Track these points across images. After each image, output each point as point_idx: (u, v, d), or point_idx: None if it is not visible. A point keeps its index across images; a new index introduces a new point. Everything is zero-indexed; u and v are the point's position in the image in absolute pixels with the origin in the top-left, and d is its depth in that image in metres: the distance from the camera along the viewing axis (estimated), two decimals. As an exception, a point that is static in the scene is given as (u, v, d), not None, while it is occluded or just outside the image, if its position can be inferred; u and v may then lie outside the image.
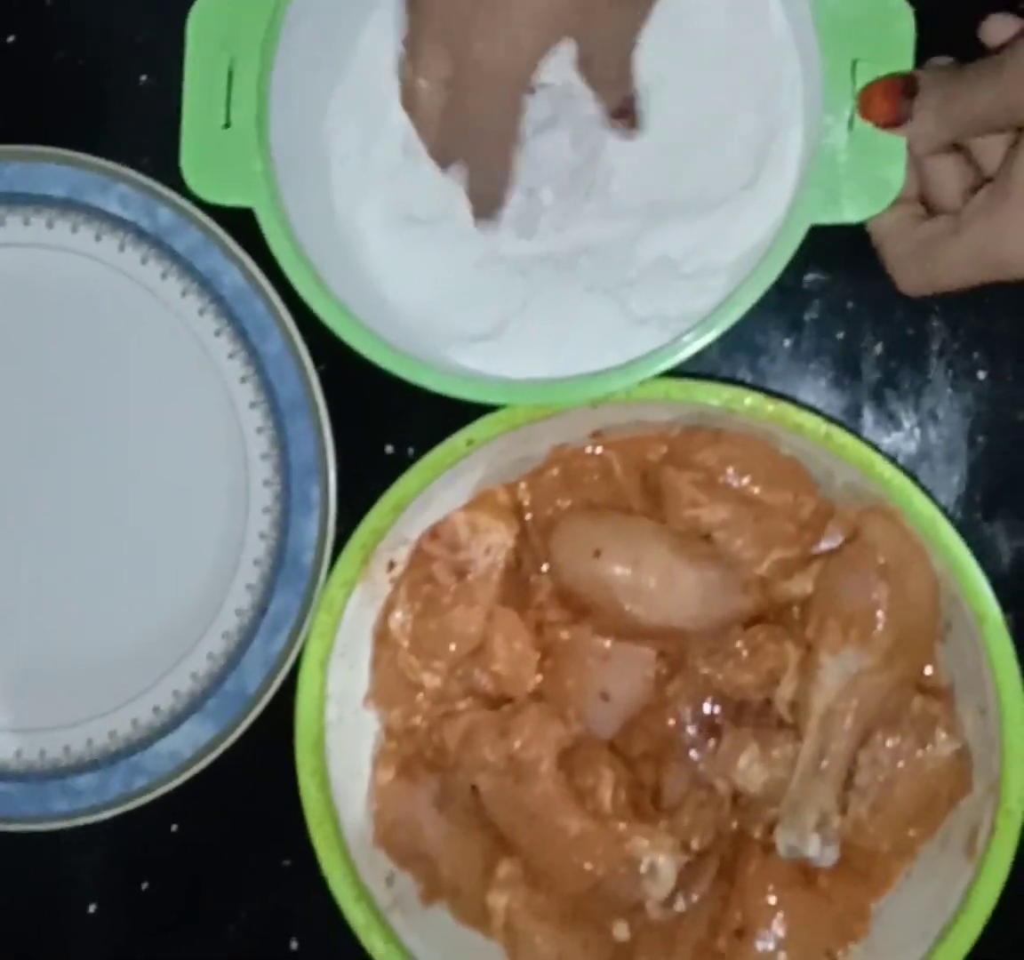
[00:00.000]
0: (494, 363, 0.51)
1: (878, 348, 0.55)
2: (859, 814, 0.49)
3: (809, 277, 0.55)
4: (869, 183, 0.46)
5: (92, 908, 0.59)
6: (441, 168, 0.50)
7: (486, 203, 0.49)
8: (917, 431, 0.54)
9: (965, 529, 0.49)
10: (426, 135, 0.49)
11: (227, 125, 0.49)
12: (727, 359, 0.56)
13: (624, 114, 0.49)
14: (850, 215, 0.47)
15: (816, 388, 0.55)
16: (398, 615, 0.53)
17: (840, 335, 0.55)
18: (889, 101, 0.44)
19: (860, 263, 0.53)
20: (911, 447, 0.54)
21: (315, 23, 0.51)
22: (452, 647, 0.52)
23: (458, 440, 0.50)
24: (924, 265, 0.45)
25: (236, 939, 0.58)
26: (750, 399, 0.48)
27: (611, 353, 0.50)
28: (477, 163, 0.48)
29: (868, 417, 0.55)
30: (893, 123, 0.44)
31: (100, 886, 0.59)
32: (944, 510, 0.49)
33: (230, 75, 0.49)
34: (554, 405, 0.49)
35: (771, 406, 0.48)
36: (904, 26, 0.45)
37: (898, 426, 0.54)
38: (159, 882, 0.59)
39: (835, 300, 0.55)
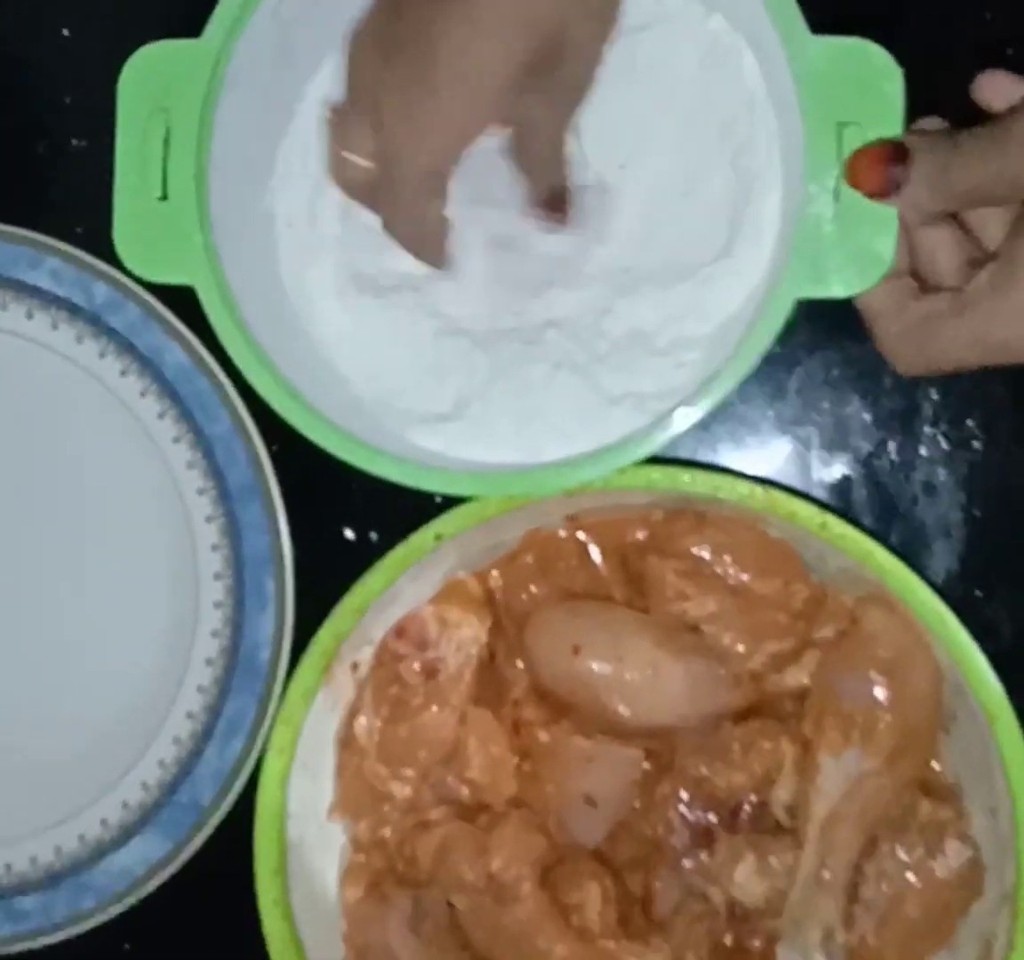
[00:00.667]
0: (457, 445, 0.48)
1: (867, 417, 0.52)
2: (865, 929, 0.45)
3: (793, 344, 0.52)
4: (858, 256, 0.43)
5: (39, 1038, 0.55)
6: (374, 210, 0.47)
7: (421, 253, 0.47)
8: (910, 505, 0.51)
9: (964, 606, 0.46)
10: (358, 201, 0.46)
11: (164, 197, 0.45)
12: (706, 430, 0.52)
13: (554, 205, 0.46)
14: (838, 290, 0.43)
15: (801, 461, 0.52)
16: (363, 720, 0.49)
17: (825, 405, 0.52)
18: (878, 169, 0.41)
19: (846, 328, 0.51)
20: (905, 522, 0.51)
21: (256, 82, 0.47)
22: (422, 754, 0.49)
23: (425, 535, 0.46)
24: (921, 346, 0.42)
25: None
26: (741, 487, 0.44)
27: (583, 435, 0.47)
28: (406, 235, 0.45)
29: (858, 492, 0.51)
30: (883, 193, 0.41)
31: (47, 1013, 0.55)
32: (941, 591, 0.46)
33: (166, 141, 0.46)
34: (525, 496, 0.46)
35: (762, 494, 0.44)
36: (893, 87, 0.42)
37: (890, 500, 0.51)
38: (111, 1008, 0.55)
39: (820, 368, 0.52)
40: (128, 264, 0.45)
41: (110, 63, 0.46)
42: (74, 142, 0.55)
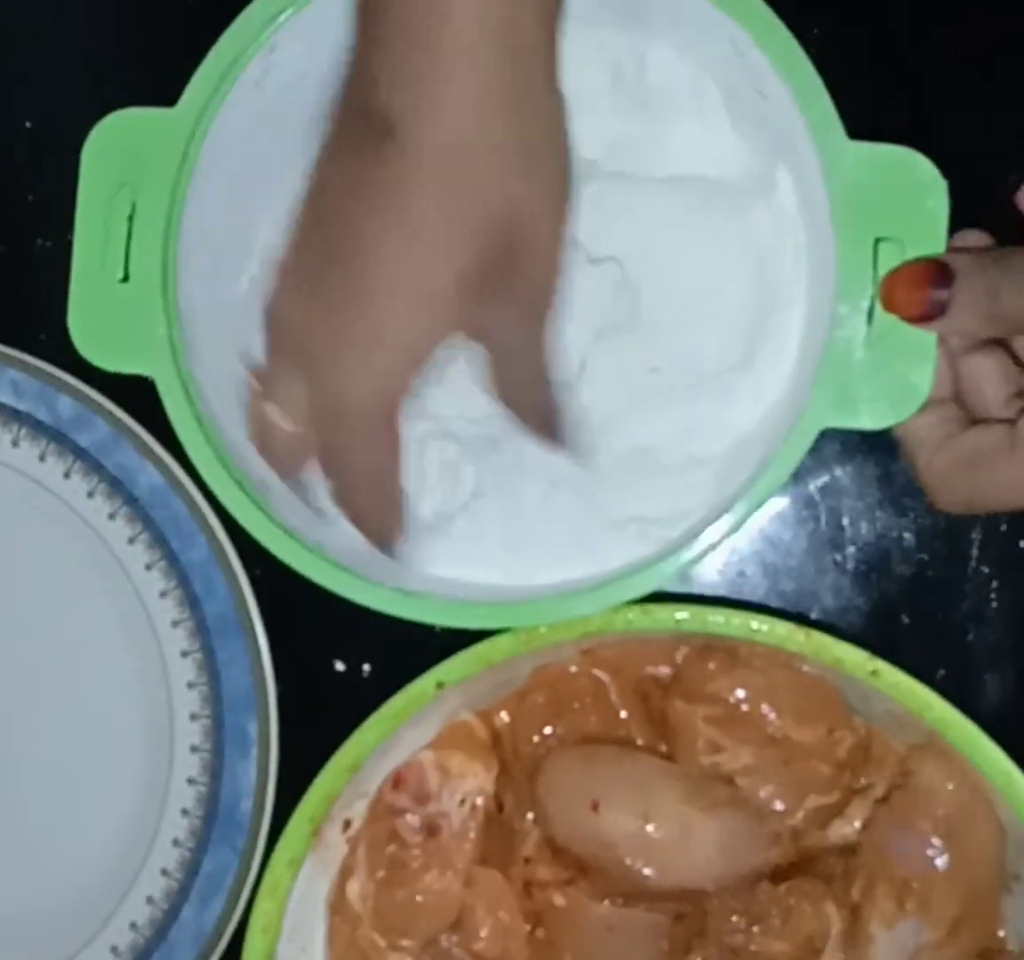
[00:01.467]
0: (441, 562, 0.43)
1: (908, 538, 0.47)
2: None
3: (823, 455, 0.48)
4: (891, 387, 0.38)
5: None
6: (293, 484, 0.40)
7: (369, 523, 0.39)
8: (960, 634, 0.47)
9: (1015, 743, 0.41)
10: (282, 472, 0.40)
11: (125, 278, 0.41)
12: (729, 550, 0.48)
13: (544, 430, 0.40)
14: (867, 422, 0.39)
15: (837, 587, 0.47)
16: (356, 884, 0.44)
17: (862, 525, 0.47)
18: (920, 291, 0.36)
19: (883, 439, 0.46)
20: (955, 656, 0.47)
21: (235, 157, 0.42)
22: (423, 922, 0.44)
23: (426, 682, 0.41)
24: (970, 483, 0.37)
25: None
26: (780, 629, 0.40)
27: (581, 561, 0.42)
28: (349, 477, 0.38)
29: (900, 620, 0.47)
30: (923, 317, 0.37)
31: None
32: (992, 728, 0.41)
33: (131, 220, 0.41)
34: (537, 637, 0.41)
35: (804, 637, 0.40)
36: (937, 202, 0.38)
37: (938, 631, 0.47)
38: None
39: (855, 483, 0.47)
40: (82, 351, 0.41)
41: (76, 158, 0.43)
42: (38, 242, 0.50)
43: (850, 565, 0.47)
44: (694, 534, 0.40)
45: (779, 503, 0.48)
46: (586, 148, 0.38)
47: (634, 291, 0.42)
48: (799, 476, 0.48)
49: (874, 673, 0.40)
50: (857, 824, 0.43)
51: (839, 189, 0.39)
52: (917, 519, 0.47)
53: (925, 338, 0.38)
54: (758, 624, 0.40)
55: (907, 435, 0.39)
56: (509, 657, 0.41)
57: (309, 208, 0.37)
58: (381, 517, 0.38)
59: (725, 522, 0.39)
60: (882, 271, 0.38)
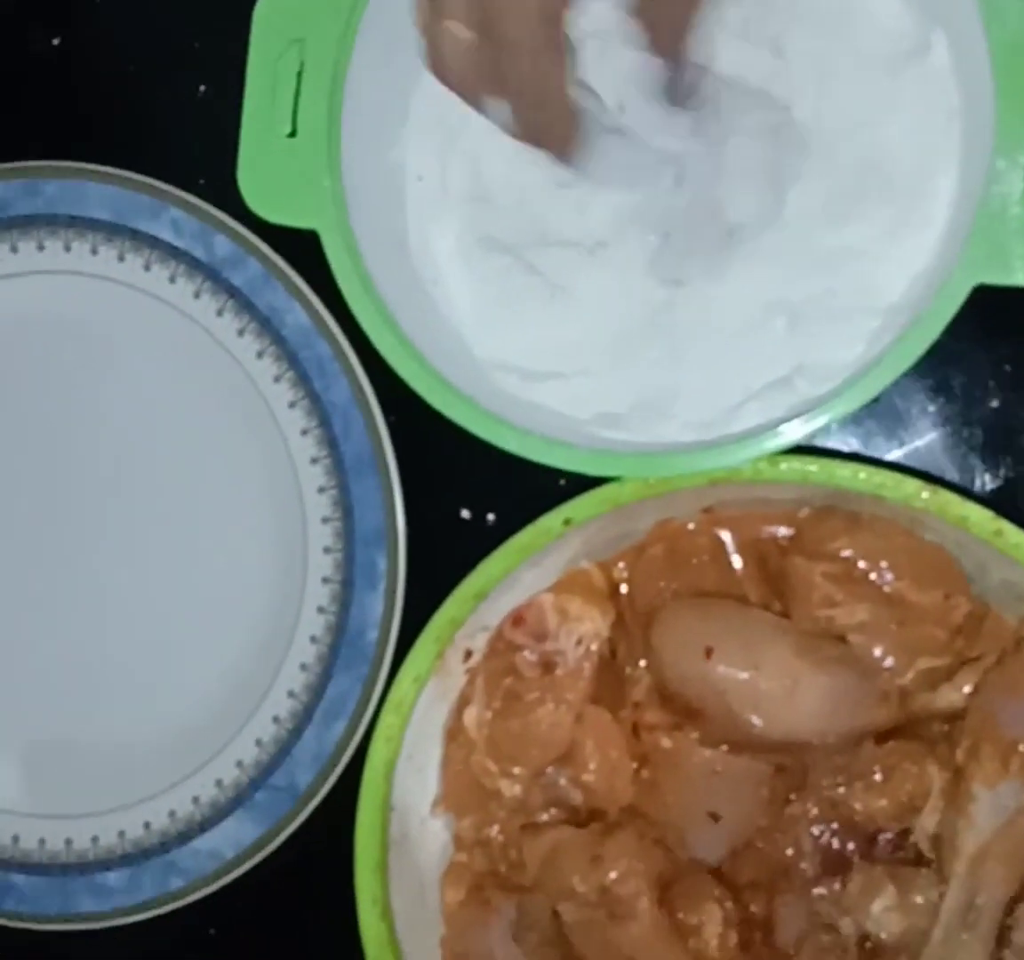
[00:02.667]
0: (581, 413, 0.45)
1: (1039, 418, 0.47)
2: None
3: (959, 334, 0.47)
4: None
5: (118, 1020, 0.53)
6: (480, 110, 0.40)
7: (550, 139, 0.40)
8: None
9: None
10: (461, 91, 0.40)
11: (292, 133, 0.43)
12: (858, 425, 0.48)
13: (671, 91, 0.40)
14: (1022, 277, 0.39)
15: (965, 465, 0.47)
16: (474, 711, 0.46)
17: (994, 403, 0.47)
18: None
19: (1020, 320, 0.46)
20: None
21: (398, 20, 0.43)
22: (535, 752, 0.45)
23: (553, 520, 0.43)
24: None
25: (277, 1060, 0.52)
26: (908, 486, 0.40)
27: (723, 418, 0.43)
28: (520, 91, 0.38)
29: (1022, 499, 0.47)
30: None
31: (128, 994, 0.53)
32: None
33: (299, 77, 0.43)
34: (663, 481, 0.42)
35: (931, 495, 0.40)
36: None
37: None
38: (193, 992, 0.53)
39: (989, 363, 0.47)
40: (250, 203, 0.43)
41: (246, 4, 0.44)
42: (201, 89, 0.52)
43: (980, 438, 0.47)
44: (840, 393, 0.40)
45: (913, 383, 0.48)
46: None
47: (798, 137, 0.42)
48: (934, 355, 0.47)
49: (998, 533, 0.40)
50: (966, 690, 0.44)
51: (1000, 46, 0.38)
52: (1051, 399, 0.47)
53: (1084, 193, 0.38)
54: (886, 479, 0.41)
55: None
56: (635, 500, 0.43)
57: None
58: (555, 129, 0.39)
59: (872, 382, 0.40)
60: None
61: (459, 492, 0.51)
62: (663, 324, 0.45)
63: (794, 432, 0.40)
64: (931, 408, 0.48)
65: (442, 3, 0.38)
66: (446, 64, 0.39)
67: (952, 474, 0.47)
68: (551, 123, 0.39)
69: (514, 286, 0.46)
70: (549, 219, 0.46)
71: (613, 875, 0.43)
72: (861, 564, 0.43)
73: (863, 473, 0.41)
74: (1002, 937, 0.42)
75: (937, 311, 0.39)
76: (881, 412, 0.48)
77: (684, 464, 0.41)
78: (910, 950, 0.43)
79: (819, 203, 0.44)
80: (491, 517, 0.51)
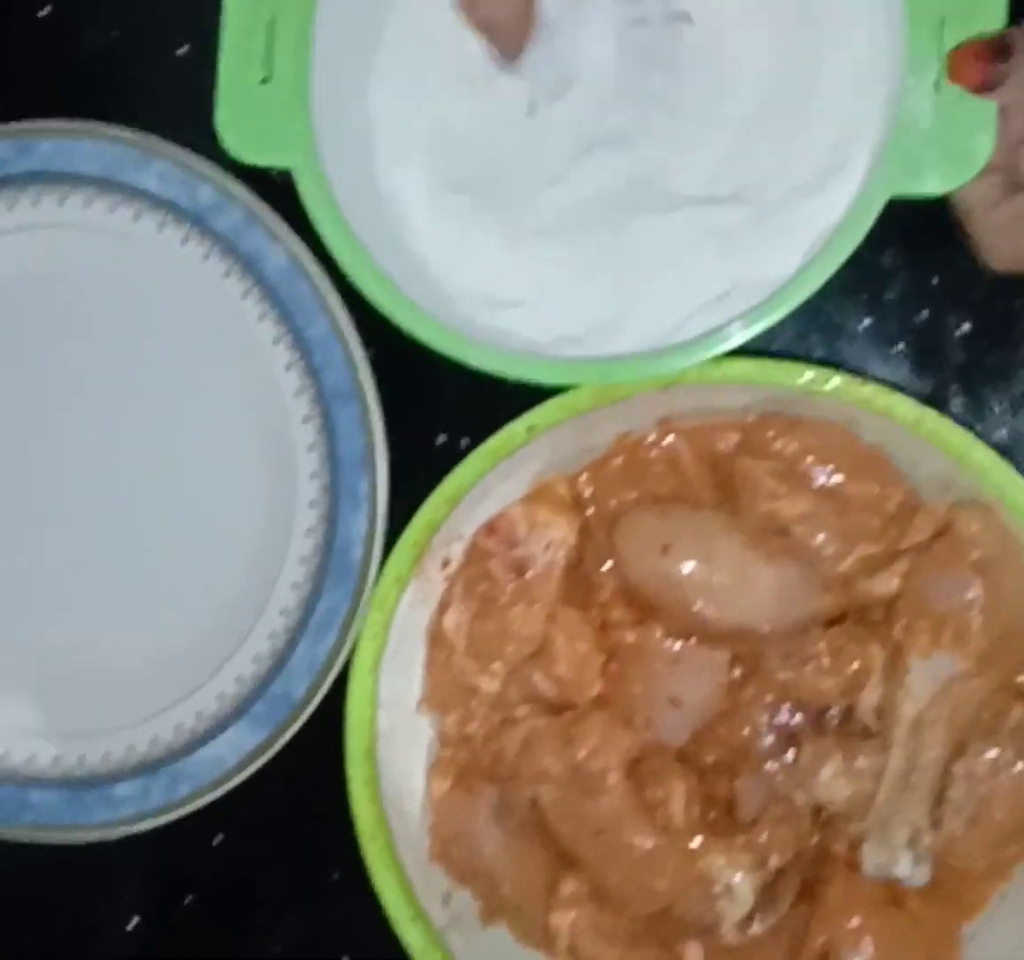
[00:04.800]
0: (545, 335, 0.48)
1: (964, 327, 0.51)
2: (952, 831, 0.45)
3: (889, 253, 0.51)
4: (955, 152, 0.43)
5: (133, 923, 0.56)
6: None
7: (505, 40, 0.44)
8: (1008, 416, 0.51)
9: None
10: None
11: (266, 80, 0.47)
12: (801, 340, 0.52)
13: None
14: (932, 186, 0.43)
15: (897, 372, 0.51)
16: (453, 615, 0.50)
17: (923, 314, 0.51)
18: (981, 63, 0.40)
19: (944, 237, 0.50)
20: (1002, 434, 0.50)
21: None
22: (510, 649, 0.49)
23: (518, 427, 0.47)
24: (1018, 239, 0.41)
25: (284, 955, 0.56)
26: (835, 380, 0.44)
27: (671, 328, 0.47)
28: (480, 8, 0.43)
29: (954, 402, 0.51)
30: (985, 87, 0.41)
31: (141, 900, 0.56)
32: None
33: (270, 28, 0.47)
34: (619, 389, 0.46)
35: (859, 388, 0.44)
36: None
37: (987, 412, 0.51)
38: (203, 896, 0.56)
39: (917, 277, 0.51)
40: (228, 146, 0.47)
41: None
42: (182, 49, 0.56)
43: (911, 347, 0.51)
44: (778, 301, 0.44)
45: (848, 300, 0.52)
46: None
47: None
48: (865, 273, 0.51)
49: (919, 420, 0.44)
50: (901, 579, 0.48)
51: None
52: (973, 310, 0.51)
53: (986, 107, 0.42)
54: (817, 374, 0.44)
55: (962, 200, 0.43)
56: (594, 407, 0.46)
57: None
58: (503, 29, 0.44)
59: (803, 286, 0.44)
60: (947, 47, 0.42)
61: (434, 420, 0.55)
62: (614, 252, 0.49)
63: (731, 337, 0.44)
64: (865, 321, 0.51)
65: None
66: None
67: (882, 371, 0.51)
68: (508, 17, 0.43)
69: (478, 221, 0.49)
70: (509, 158, 0.50)
71: (583, 753, 0.46)
72: (802, 461, 0.47)
73: (795, 370, 0.45)
74: (941, 795, 0.46)
75: (854, 221, 0.43)
76: (820, 327, 0.52)
77: (636, 370, 0.45)
78: (857, 815, 0.46)
79: (742, 131, 0.47)
80: (465, 442, 0.54)
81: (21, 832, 0.55)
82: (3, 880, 0.56)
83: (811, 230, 0.46)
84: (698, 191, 0.48)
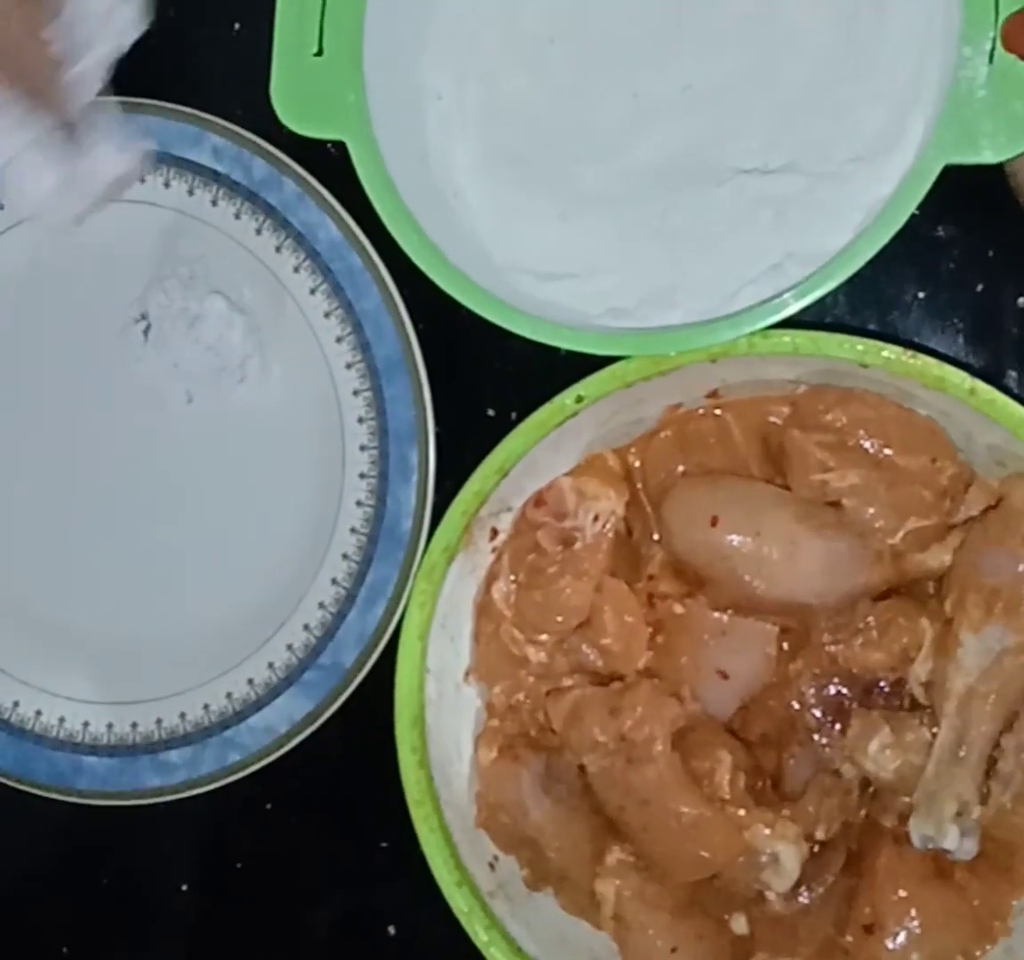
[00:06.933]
0: (594, 307, 0.48)
1: (1021, 300, 0.50)
2: (1001, 804, 0.45)
3: (946, 224, 0.51)
4: (1010, 120, 0.42)
5: (185, 887, 0.57)
6: None
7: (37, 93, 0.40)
8: (1066, 388, 0.50)
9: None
10: None
11: (319, 53, 0.47)
12: (855, 313, 0.52)
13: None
14: (988, 155, 0.43)
15: (953, 345, 0.51)
16: (501, 585, 0.50)
17: (979, 287, 0.51)
18: None
19: (1001, 209, 0.49)
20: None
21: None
22: (558, 619, 0.49)
23: (567, 397, 0.47)
24: None
25: (331, 923, 0.56)
26: (887, 352, 0.44)
27: (722, 300, 0.47)
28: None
29: (1011, 376, 0.50)
30: None
31: (193, 865, 0.57)
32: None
33: (323, 1, 0.47)
34: (668, 360, 0.46)
35: (909, 359, 0.44)
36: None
37: (1043, 383, 0.50)
38: (252, 862, 0.57)
39: (974, 249, 0.51)
40: (283, 118, 0.47)
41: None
42: (236, 27, 0.56)
43: (967, 320, 0.51)
44: (830, 271, 0.44)
45: (903, 270, 0.51)
46: None
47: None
48: (921, 244, 0.51)
49: (972, 391, 0.44)
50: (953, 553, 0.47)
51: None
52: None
53: (1040, 76, 0.41)
54: (867, 346, 0.44)
55: (1020, 170, 0.42)
56: (642, 378, 0.46)
57: None
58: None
59: (854, 258, 0.43)
60: (1003, 15, 0.41)
61: (484, 393, 0.55)
62: (665, 224, 0.49)
63: (783, 308, 0.44)
64: (920, 294, 0.51)
65: None
66: None
67: (936, 344, 0.51)
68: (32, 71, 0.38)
69: (528, 195, 0.50)
70: (561, 130, 0.50)
71: (629, 723, 0.46)
72: (853, 433, 0.47)
73: (847, 342, 0.44)
74: (989, 769, 0.45)
75: (909, 191, 0.43)
76: (874, 300, 0.51)
77: (685, 341, 0.45)
78: (905, 789, 0.46)
79: (796, 102, 0.47)
80: (513, 415, 0.55)
81: (76, 796, 0.56)
82: (60, 842, 0.58)
83: (865, 200, 0.46)
84: (751, 162, 0.48)
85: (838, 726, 0.47)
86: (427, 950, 0.55)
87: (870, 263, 0.44)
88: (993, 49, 0.42)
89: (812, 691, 0.48)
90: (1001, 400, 0.43)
